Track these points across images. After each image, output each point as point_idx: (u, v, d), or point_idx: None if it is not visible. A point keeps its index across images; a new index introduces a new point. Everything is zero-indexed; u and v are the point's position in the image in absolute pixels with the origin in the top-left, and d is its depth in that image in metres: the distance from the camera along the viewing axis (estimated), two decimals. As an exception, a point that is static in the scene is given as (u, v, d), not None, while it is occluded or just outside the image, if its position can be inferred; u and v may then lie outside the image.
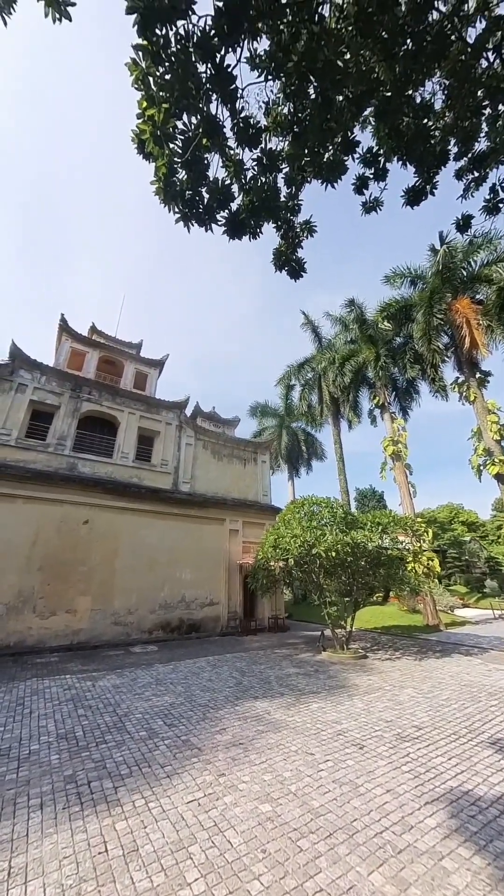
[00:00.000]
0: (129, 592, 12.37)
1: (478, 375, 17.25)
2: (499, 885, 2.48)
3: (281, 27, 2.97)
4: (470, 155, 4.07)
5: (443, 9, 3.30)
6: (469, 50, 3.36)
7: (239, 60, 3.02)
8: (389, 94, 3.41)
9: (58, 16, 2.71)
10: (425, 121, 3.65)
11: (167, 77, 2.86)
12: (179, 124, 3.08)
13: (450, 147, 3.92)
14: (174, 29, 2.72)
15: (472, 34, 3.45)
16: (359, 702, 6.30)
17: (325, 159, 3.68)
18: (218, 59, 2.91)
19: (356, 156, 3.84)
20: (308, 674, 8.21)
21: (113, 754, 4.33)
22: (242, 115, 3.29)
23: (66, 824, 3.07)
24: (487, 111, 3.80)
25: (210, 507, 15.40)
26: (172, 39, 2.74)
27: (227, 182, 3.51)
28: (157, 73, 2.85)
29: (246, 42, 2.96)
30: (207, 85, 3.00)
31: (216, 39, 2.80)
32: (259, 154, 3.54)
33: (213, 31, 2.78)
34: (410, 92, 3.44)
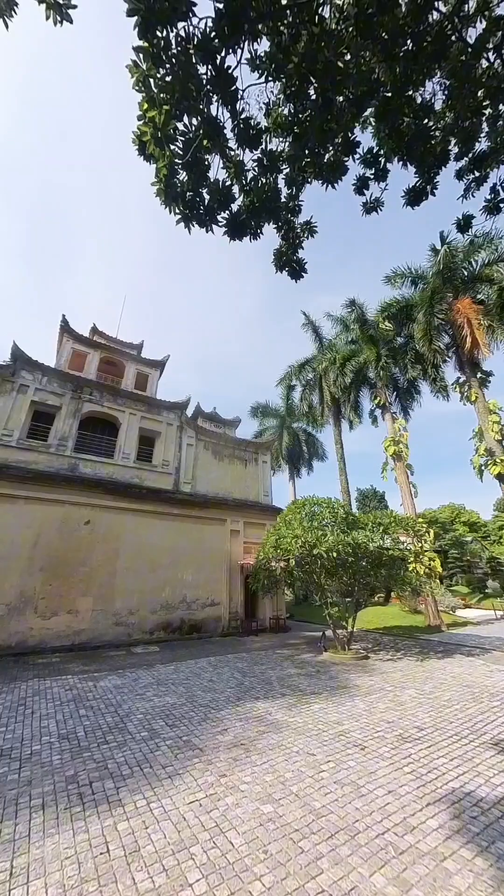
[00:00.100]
0: (131, 593, 12.38)
1: (479, 375, 17.23)
2: (501, 887, 2.47)
3: (281, 28, 2.98)
4: (470, 155, 4.07)
5: (443, 9, 3.30)
6: (469, 50, 3.36)
7: (239, 62, 3.04)
8: (390, 94, 3.42)
9: (59, 18, 2.73)
10: (426, 121, 3.66)
11: (168, 79, 2.87)
12: (180, 126, 3.10)
13: (450, 147, 3.92)
14: (175, 31, 2.73)
15: (472, 34, 3.46)
16: (360, 702, 6.29)
17: (325, 160, 3.69)
18: (218, 61, 2.93)
19: (356, 156, 3.85)
20: (309, 674, 8.20)
21: (114, 755, 4.33)
22: (243, 116, 3.31)
23: (68, 824, 3.07)
24: (488, 111, 3.80)
25: (211, 507, 15.40)
26: (173, 41, 2.75)
27: (228, 183, 3.52)
28: (158, 75, 2.86)
29: (246, 43, 2.97)
30: (208, 86, 3.02)
31: (216, 41, 2.81)
32: (259, 155, 3.55)
33: (213, 33, 2.79)
34: (411, 92, 3.45)
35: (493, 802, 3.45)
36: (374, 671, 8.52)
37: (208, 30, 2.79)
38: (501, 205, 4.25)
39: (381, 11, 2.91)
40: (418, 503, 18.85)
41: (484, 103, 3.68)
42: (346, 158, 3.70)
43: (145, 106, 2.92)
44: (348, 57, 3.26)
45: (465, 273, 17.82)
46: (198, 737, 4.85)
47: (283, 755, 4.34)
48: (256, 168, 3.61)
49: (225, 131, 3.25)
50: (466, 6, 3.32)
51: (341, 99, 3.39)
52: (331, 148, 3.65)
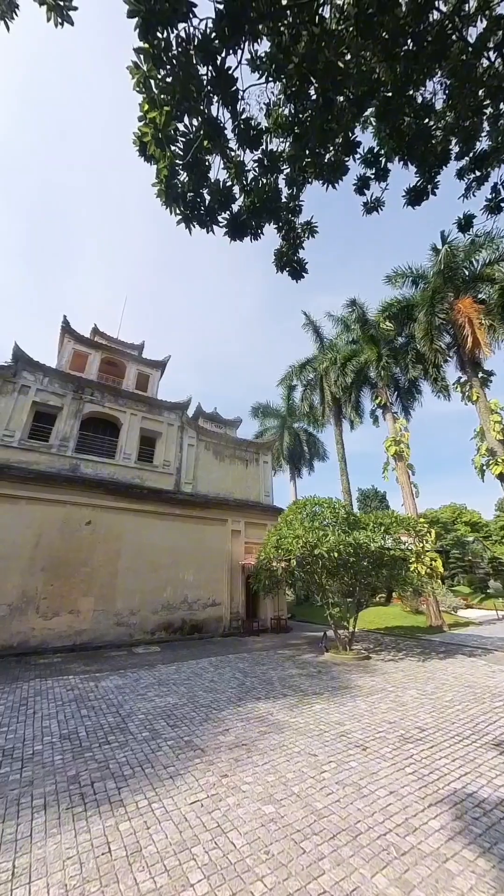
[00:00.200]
0: (132, 593, 12.38)
1: (480, 375, 17.19)
2: (504, 888, 2.46)
3: (281, 29, 2.98)
4: (471, 154, 4.07)
5: (443, 8, 3.30)
6: (470, 49, 3.36)
7: (240, 62, 3.04)
8: (390, 94, 3.42)
9: (59, 20, 2.73)
10: (426, 121, 3.66)
11: (168, 80, 2.87)
12: (181, 126, 3.10)
13: (451, 147, 3.92)
14: (175, 32, 2.73)
15: (472, 34, 3.45)
16: (362, 703, 6.28)
17: (326, 160, 3.69)
18: (219, 62, 2.93)
19: (357, 156, 3.85)
20: (311, 675, 8.20)
21: (116, 755, 4.34)
22: (243, 116, 3.31)
23: (70, 825, 3.08)
24: (488, 110, 3.80)
25: (212, 507, 15.41)
26: (173, 42, 2.75)
27: (229, 183, 3.53)
28: (159, 76, 2.86)
29: (246, 44, 2.97)
30: (208, 87, 3.02)
31: (217, 42, 2.81)
32: (260, 155, 3.55)
33: (213, 34, 2.79)
34: (411, 92, 3.45)
35: (495, 803, 3.44)
36: (375, 671, 8.51)
37: (209, 30, 2.79)
38: (502, 204, 4.25)
39: (381, 11, 2.90)
40: (420, 503, 18.83)
41: (484, 102, 3.68)
42: (346, 158, 3.70)
43: (146, 107, 2.92)
44: (349, 57, 3.26)
45: (467, 272, 17.79)
46: (199, 737, 4.85)
47: (284, 756, 4.33)
48: (257, 168, 3.61)
49: (225, 132, 3.25)
50: (467, 5, 3.32)
51: (342, 99, 3.38)
52: (331, 148, 3.65)
